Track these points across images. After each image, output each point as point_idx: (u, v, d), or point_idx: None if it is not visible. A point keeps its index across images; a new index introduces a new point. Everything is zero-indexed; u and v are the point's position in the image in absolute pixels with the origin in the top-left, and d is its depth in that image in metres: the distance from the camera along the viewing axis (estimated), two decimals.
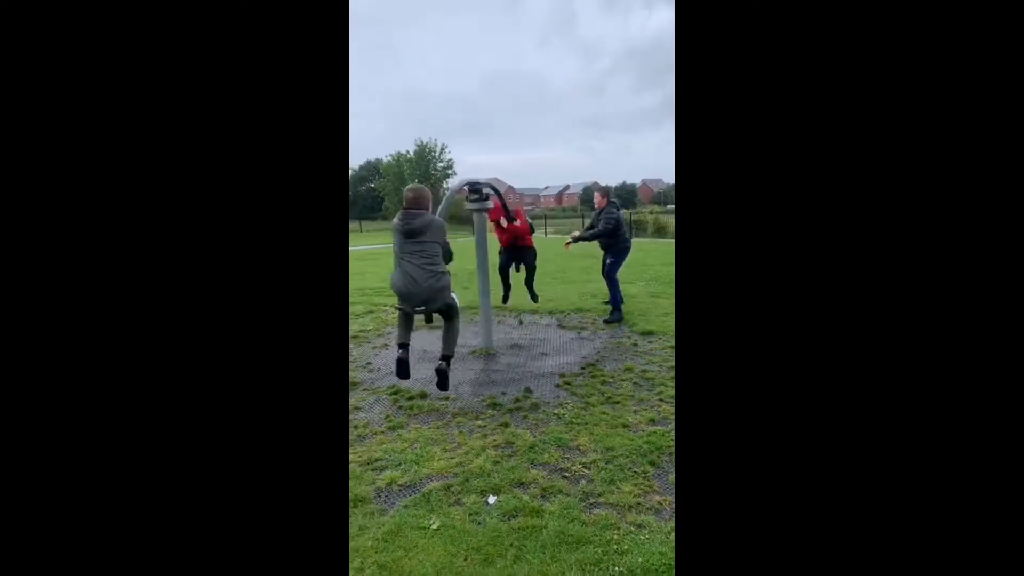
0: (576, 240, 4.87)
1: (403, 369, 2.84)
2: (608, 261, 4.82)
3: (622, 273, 4.97)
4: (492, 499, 1.98)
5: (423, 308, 2.84)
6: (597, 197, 4.92)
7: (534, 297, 4.94)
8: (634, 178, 76.86)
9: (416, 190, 2.92)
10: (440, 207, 3.34)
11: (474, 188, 3.72)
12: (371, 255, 13.03)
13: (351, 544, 1.72)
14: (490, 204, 3.87)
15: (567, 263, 9.46)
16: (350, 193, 40.72)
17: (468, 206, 3.86)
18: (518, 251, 4.54)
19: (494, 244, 4.54)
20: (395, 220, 2.85)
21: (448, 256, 2.91)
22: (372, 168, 40.93)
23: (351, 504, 1.97)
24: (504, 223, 4.39)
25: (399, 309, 2.92)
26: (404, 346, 2.89)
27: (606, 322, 4.72)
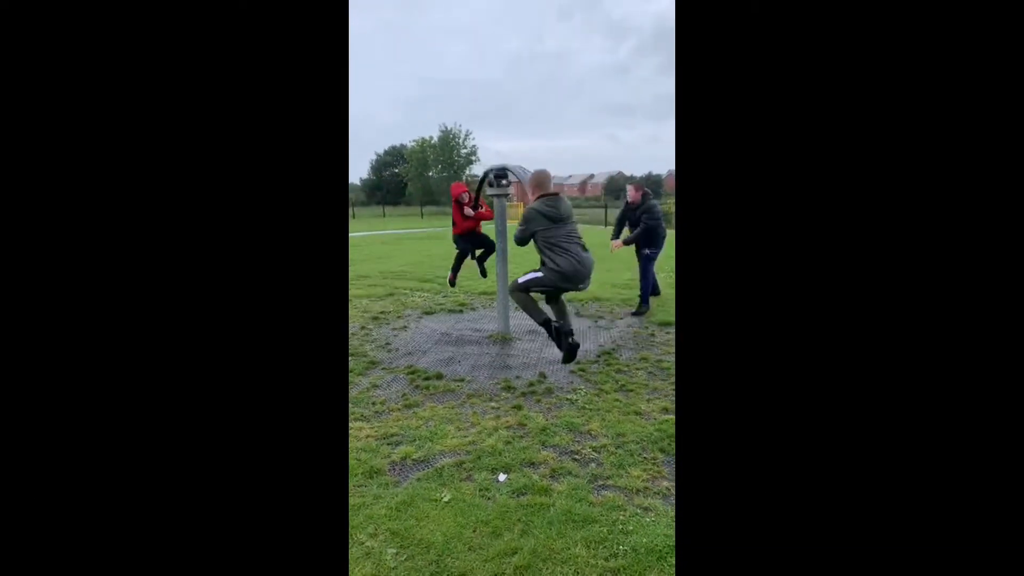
0: (627, 244, 4.68)
1: (569, 345, 2.92)
2: (646, 252, 4.70)
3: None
4: (502, 477, 2.04)
5: (582, 288, 2.90)
6: (631, 191, 4.74)
7: (484, 272, 4.90)
8: (660, 168, 75.36)
9: (547, 173, 2.93)
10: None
11: (500, 174, 3.74)
12: (394, 239, 13.18)
13: (366, 512, 1.80)
14: (511, 191, 3.89)
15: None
16: (374, 178, 40.95)
17: (489, 192, 3.88)
18: (477, 238, 4.54)
19: (511, 229, 4.55)
20: (537, 207, 2.79)
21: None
22: (396, 153, 41.07)
23: (368, 475, 2.05)
24: (471, 212, 4.33)
25: (543, 290, 2.93)
26: (550, 320, 2.99)
27: (634, 314, 4.68)
